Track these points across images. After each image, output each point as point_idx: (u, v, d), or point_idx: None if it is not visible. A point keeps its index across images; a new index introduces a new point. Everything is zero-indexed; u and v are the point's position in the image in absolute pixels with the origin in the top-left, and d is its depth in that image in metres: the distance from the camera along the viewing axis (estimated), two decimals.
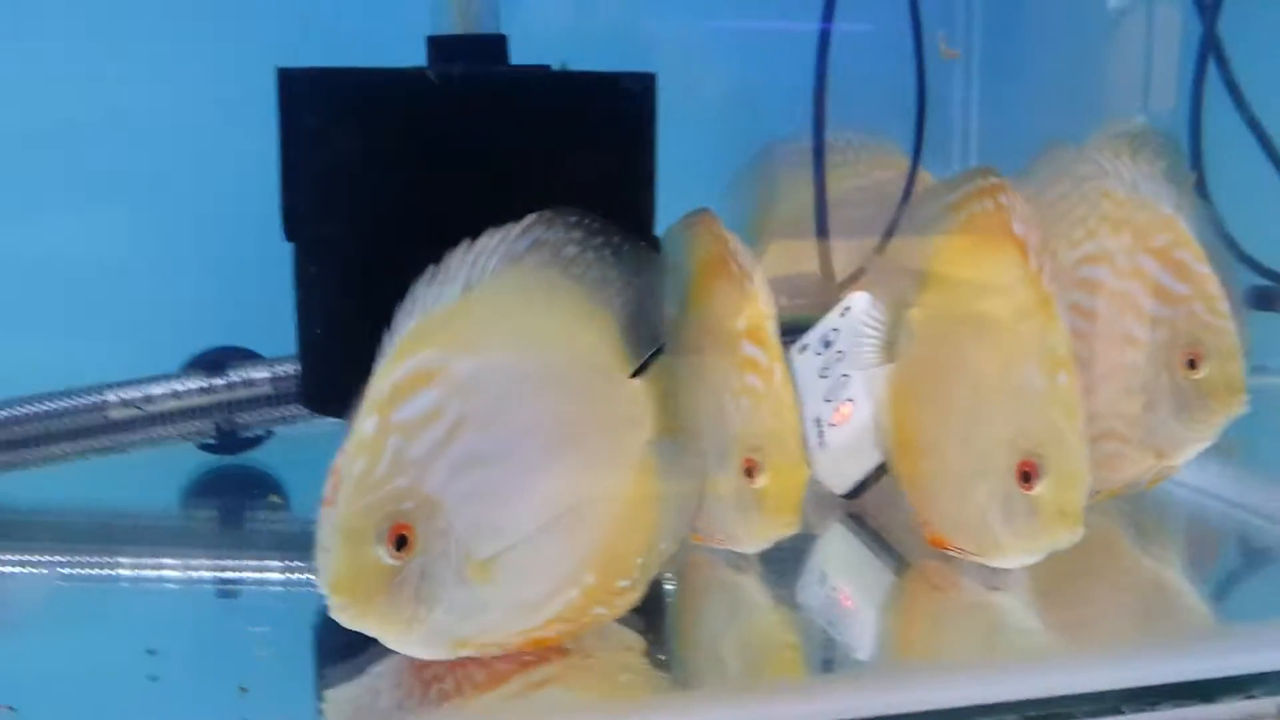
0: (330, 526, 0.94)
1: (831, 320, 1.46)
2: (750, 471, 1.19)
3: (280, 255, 1.34)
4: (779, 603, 1.22)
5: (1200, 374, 1.26)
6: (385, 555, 0.94)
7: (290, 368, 1.52)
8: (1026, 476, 1.14)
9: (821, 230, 1.56)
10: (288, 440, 1.62)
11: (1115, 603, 1.23)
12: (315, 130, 1.29)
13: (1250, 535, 1.43)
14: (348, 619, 0.95)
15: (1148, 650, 1.07)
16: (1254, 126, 1.55)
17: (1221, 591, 1.32)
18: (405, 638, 0.98)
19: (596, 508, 1.04)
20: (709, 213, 1.31)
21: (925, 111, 1.57)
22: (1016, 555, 1.17)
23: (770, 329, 1.23)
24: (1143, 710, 0.98)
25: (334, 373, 1.32)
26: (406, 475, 0.96)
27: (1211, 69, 1.62)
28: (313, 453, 1.60)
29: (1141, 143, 1.36)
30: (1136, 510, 1.41)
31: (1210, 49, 1.58)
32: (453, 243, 1.24)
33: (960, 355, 1.22)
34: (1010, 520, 1.15)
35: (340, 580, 0.94)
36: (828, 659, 1.13)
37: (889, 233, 1.56)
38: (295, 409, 1.53)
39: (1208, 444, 1.29)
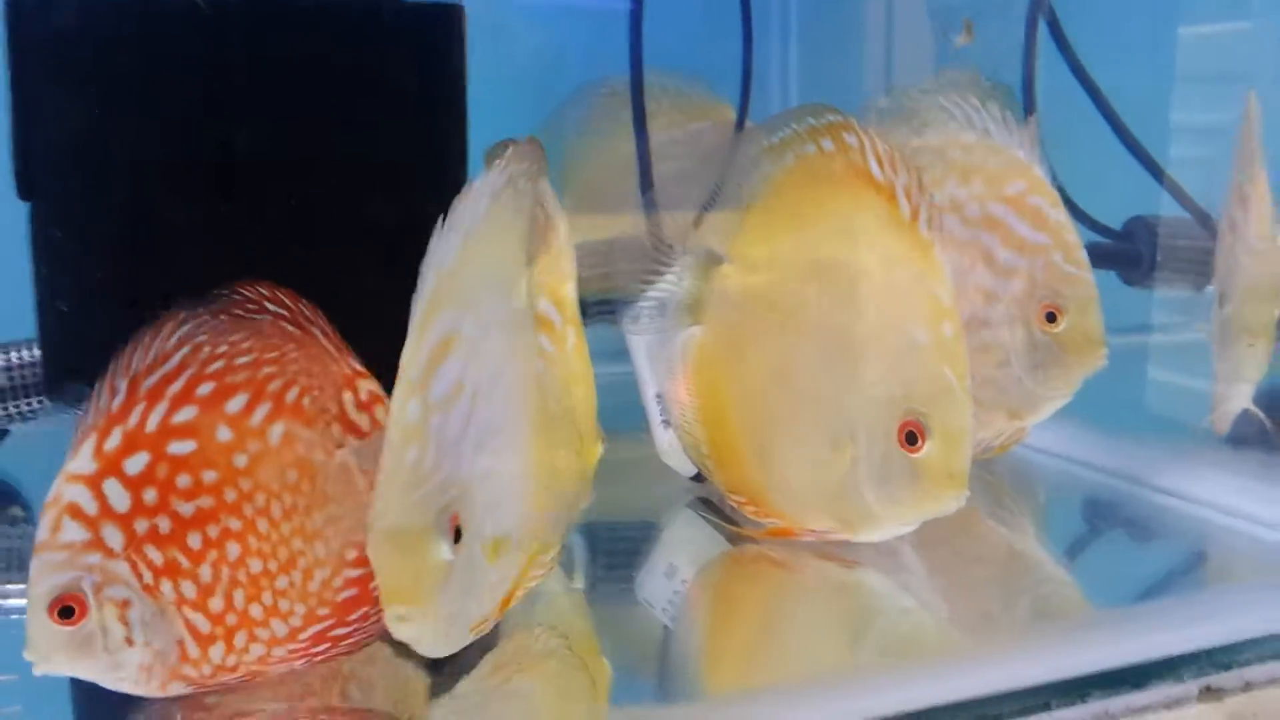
0: (377, 531, 0.78)
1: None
2: None
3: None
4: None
5: (1059, 328, 1.19)
6: (446, 551, 0.81)
7: (27, 354, 1.28)
8: (912, 438, 1.04)
9: (647, 193, 1.42)
10: (27, 440, 1.38)
11: (984, 579, 1.14)
12: (54, 66, 1.07)
13: (1101, 496, 1.38)
14: (408, 632, 0.80)
15: (1053, 641, 0.98)
16: (1083, 80, 1.50)
17: (1092, 563, 1.26)
18: (445, 639, 0.84)
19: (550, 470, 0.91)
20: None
21: (751, 60, 1.45)
22: (893, 524, 1.08)
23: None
24: (1073, 704, 0.88)
25: (84, 357, 1.11)
26: (449, 459, 0.82)
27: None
28: (57, 454, 1.42)
29: (976, 91, 1.29)
30: (986, 474, 1.34)
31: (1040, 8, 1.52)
32: (226, 195, 1.08)
33: (803, 314, 1.10)
34: (887, 486, 1.05)
35: (401, 588, 0.79)
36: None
37: (716, 189, 1.44)
38: (36, 403, 1.29)
39: (1064, 402, 1.23)
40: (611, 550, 1.14)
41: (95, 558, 0.78)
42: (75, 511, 0.78)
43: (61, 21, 1.07)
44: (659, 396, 1.24)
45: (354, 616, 0.88)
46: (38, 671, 0.79)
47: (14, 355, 1.28)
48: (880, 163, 1.07)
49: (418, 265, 1.07)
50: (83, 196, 1.09)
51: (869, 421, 1.05)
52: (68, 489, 0.78)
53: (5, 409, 1.28)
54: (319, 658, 0.88)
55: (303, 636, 0.86)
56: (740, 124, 1.46)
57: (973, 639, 1.02)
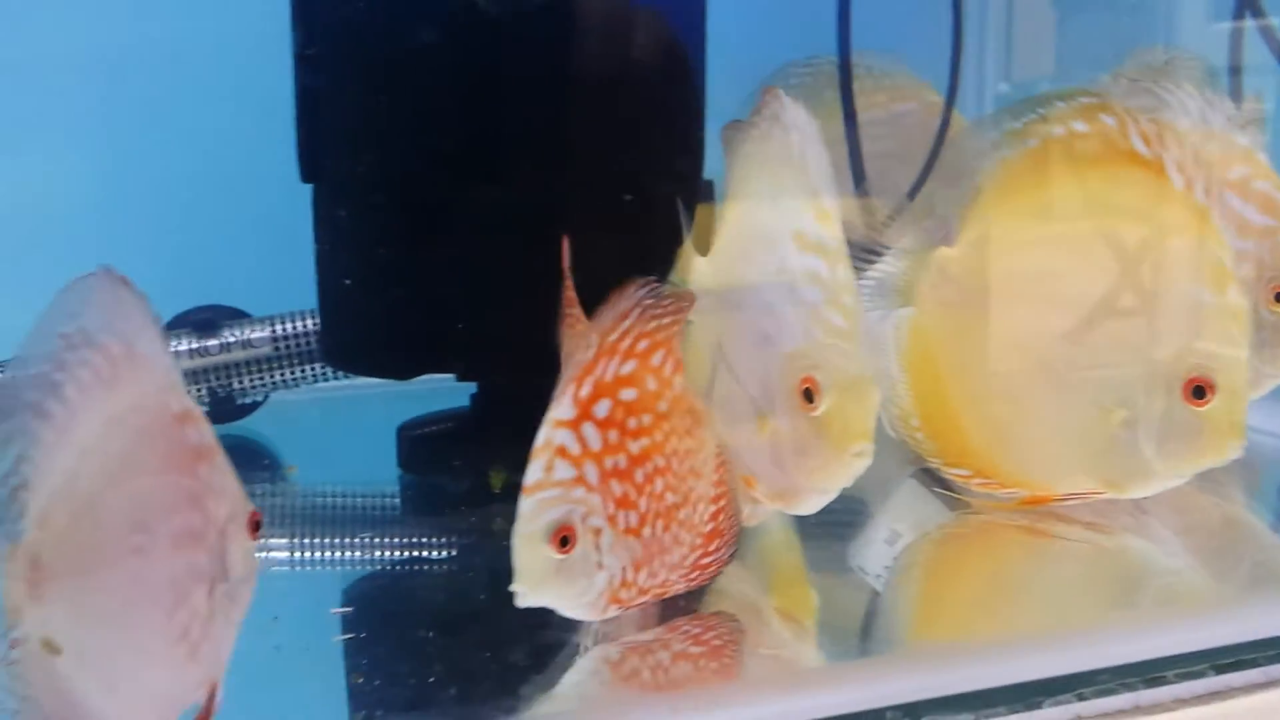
0: None
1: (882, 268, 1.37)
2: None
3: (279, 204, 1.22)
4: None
5: None
6: None
7: (290, 326, 1.39)
8: (1199, 392, 1.08)
9: (858, 175, 1.47)
10: (280, 407, 1.49)
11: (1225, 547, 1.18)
12: (338, 57, 1.16)
13: None
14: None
15: None
16: None
17: None
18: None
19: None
20: None
21: (961, 44, 1.49)
22: (1170, 478, 1.12)
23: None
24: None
25: (366, 329, 1.20)
26: None
27: None
28: (307, 420, 1.53)
29: (1175, 72, 1.31)
30: None
31: None
32: (494, 179, 1.15)
33: (1058, 288, 1.13)
34: (1170, 442, 1.09)
35: None
36: None
37: (924, 174, 1.48)
38: (296, 372, 1.40)
39: None
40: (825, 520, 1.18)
41: (580, 492, 0.88)
42: (563, 452, 0.87)
43: (344, 11, 1.16)
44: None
45: (714, 546, 0.97)
46: (524, 602, 0.88)
47: (279, 327, 1.40)
48: (1146, 139, 1.10)
49: (662, 243, 1.14)
50: (363, 180, 1.18)
51: (1149, 381, 1.09)
52: (556, 433, 0.88)
53: (270, 378, 1.40)
54: (694, 583, 0.98)
55: (687, 563, 0.96)
56: (948, 109, 1.50)
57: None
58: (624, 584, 0.91)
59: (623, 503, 0.89)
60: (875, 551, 1.18)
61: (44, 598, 0.71)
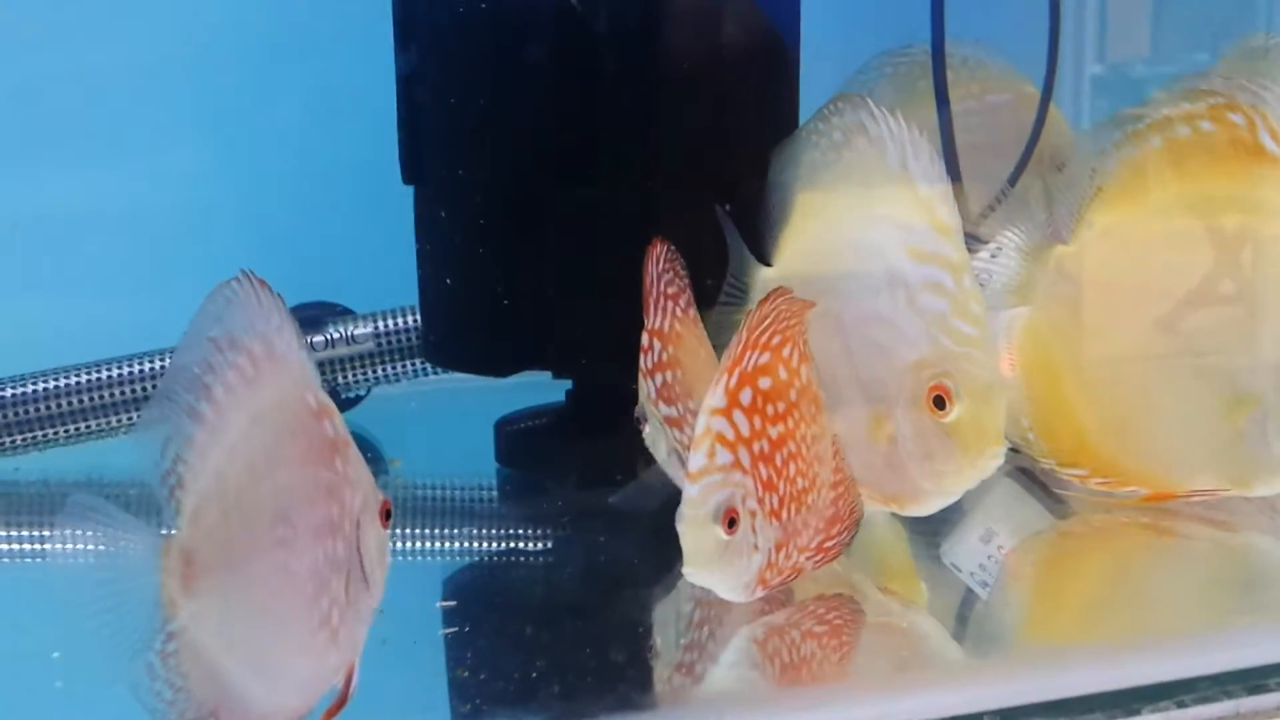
0: None
1: (981, 261, 1.36)
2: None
3: (385, 202, 1.25)
4: None
5: None
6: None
7: (392, 323, 1.42)
8: None
9: (951, 163, 1.46)
10: (381, 401, 1.52)
11: None
12: (439, 60, 1.19)
13: None
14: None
15: None
16: None
17: None
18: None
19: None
20: None
21: (1059, 35, 1.47)
22: None
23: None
24: None
25: (465, 326, 1.23)
26: None
27: None
28: (407, 414, 1.56)
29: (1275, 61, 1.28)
30: None
31: None
32: (591, 179, 1.16)
33: (1184, 284, 1.14)
34: None
35: None
36: None
37: (1020, 166, 1.47)
38: (398, 367, 1.43)
39: None
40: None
41: (738, 475, 0.92)
42: (722, 439, 0.91)
43: (445, 15, 1.18)
44: None
45: (835, 530, 1.01)
46: (695, 581, 0.93)
47: (381, 323, 1.43)
48: (1275, 136, 1.10)
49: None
50: (462, 182, 1.20)
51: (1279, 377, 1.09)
52: (714, 420, 0.91)
53: (374, 373, 1.43)
54: (818, 566, 1.01)
55: (812, 546, 0.99)
56: (1045, 101, 1.48)
57: None
58: (770, 565, 0.95)
59: (768, 486, 0.93)
60: (970, 549, 1.18)
61: (197, 591, 0.74)
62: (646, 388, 1.05)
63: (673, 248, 1.06)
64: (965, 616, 1.08)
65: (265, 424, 0.77)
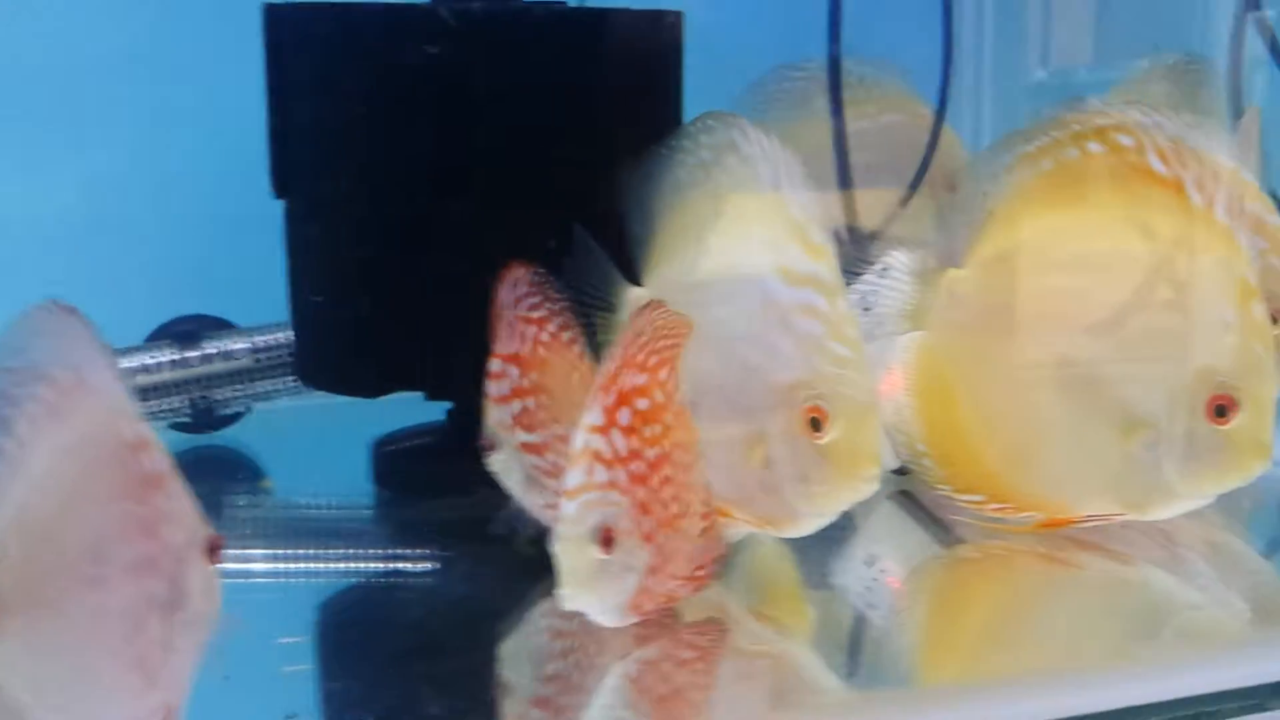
0: None
1: (867, 283, 1.35)
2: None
3: (262, 214, 1.22)
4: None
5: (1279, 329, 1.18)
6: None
7: (272, 338, 1.39)
8: (1221, 410, 1.07)
9: (844, 179, 1.45)
10: (266, 417, 1.49)
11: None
12: (308, 73, 1.16)
13: None
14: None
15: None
16: None
17: None
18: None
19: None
20: None
21: (952, 54, 1.47)
22: (1193, 499, 1.12)
23: None
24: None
25: (335, 345, 1.20)
26: None
27: None
28: (293, 431, 1.53)
29: (1177, 79, 1.29)
30: None
31: None
32: (464, 195, 1.15)
33: (1077, 309, 1.13)
34: (1192, 461, 1.09)
35: None
36: None
37: (914, 185, 1.46)
38: (276, 384, 1.40)
39: None
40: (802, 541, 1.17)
41: (615, 495, 0.90)
42: (599, 457, 0.90)
43: (315, 29, 1.16)
44: None
45: (707, 558, 0.99)
46: (569, 605, 0.91)
47: (259, 339, 1.40)
48: (1164, 158, 1.09)
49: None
50: (331, 196, 1.18)
51: (1172, 400, 1.09)
52: (592, 439, 0.90)
53: (251, 389, 1.40)
54: (690, 593, 0.99)
55: (684, 572, 0.97)
56: (938, 122, 1.48)
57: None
58: (644, 590, 0.93)
59: (644, 508, 0.92)
60: (854, 573, 1.17)
61: (1, 631, 0.71)
62: (498, 414, 1.03)
63: (539, 270, 1.05)
64: (850, 645, 1.07)
65: (74, 457, 0.74)
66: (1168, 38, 1.52)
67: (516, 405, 1.02)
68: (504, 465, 1.06)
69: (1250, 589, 1.15)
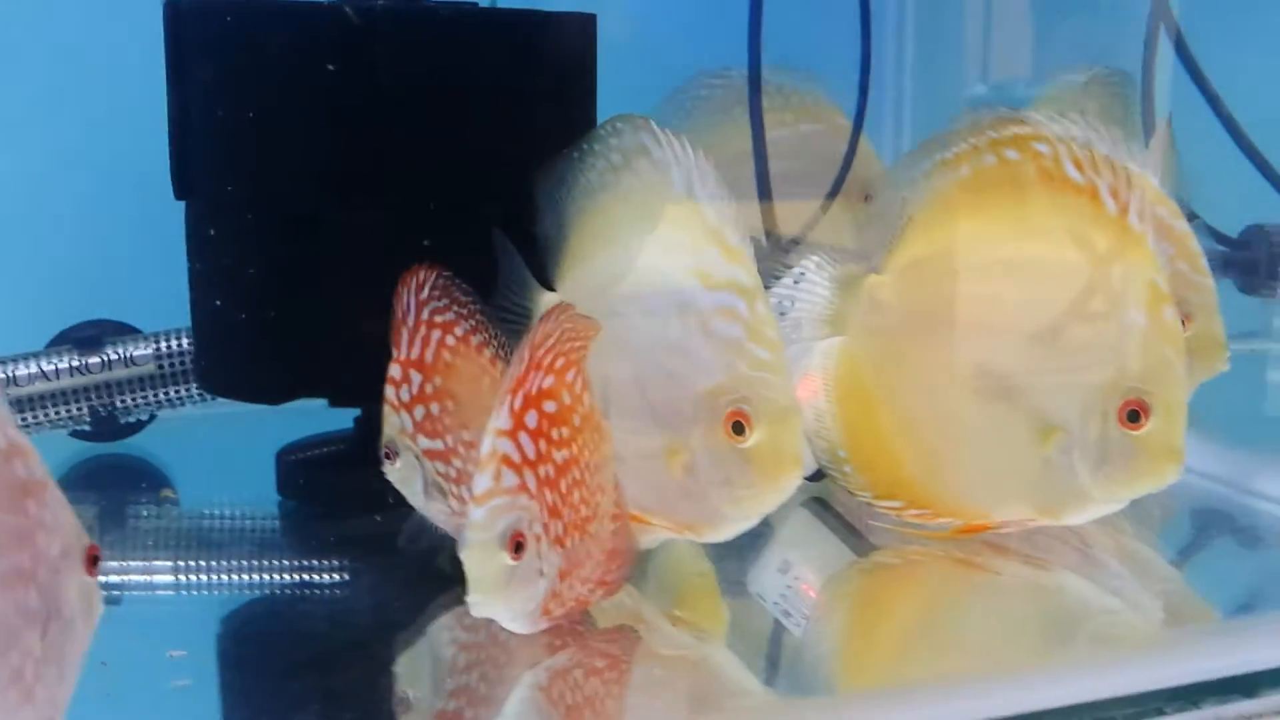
0: None
1: (784, 288, 1.35)
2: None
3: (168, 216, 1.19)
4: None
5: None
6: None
7: (177, 343, 1.36)
8: (1134, 416, 1.08)
9: (763, 188, 1.45)
10: (172, 425, 1.46)
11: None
12: (210, 72, 1.13)
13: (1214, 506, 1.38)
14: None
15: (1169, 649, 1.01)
16: (1201, 84, 1.49)
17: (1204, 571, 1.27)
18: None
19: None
20: None
21: (870, 65, 1.47)
22: (1106, 504, 1.12)
23: None
24: (1186, 710, 0.91)
25: (236, 351, 1.17)
26: None
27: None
28: (200, 439, 1.50)
29: (1093, 92, 1.30)
30: None
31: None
32: (369, 198, 1.12)
33: (992, 315, 1.14)
34: (1105, 466, 1.09)
35: None
36: None
37: (832, 193, 1.46)
38: (180, 391, 1.37)
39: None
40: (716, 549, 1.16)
41: (524, 499, 0.89)
42: (508, 461, 0.89)
43: (217, 28, 1.13)
44: None
45: (615, 563, 0.98)
46: (479, 612, 0.89)
47: (164, 344, 1.36)
48: (1079, 166, 1.10)
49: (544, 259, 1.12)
50: (236, 197, 1.14)
51: (1085, 405, 1.09)
52: (499, 442, 0.89)
53: (155, 396, 1.36)
54: (598, 598, 0.99)
55: (594, 577, 0.96)
56: (856, 130, 1.48)
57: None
58: (554, 595, 0.92)
59: (553, 512, 0.91)
60: (770, 580, 1.16)
61: None
62: (399, 421, 1.01)
63: (446, 274, 1.03)
64: (769, 652, 1.06)
65: None
66: (1106, 54, 1.54)
67: (419, 411, 1.00)
68: (402, 474, 1.04)
69: (1160, 595, 1.16)
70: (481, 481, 0.88)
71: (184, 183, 1.16)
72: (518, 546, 0.88)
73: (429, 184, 1.13)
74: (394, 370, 1.01)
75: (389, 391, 1.02)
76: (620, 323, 1.05)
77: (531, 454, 0.89)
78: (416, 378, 1.01)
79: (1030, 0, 1.65)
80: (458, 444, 1.02)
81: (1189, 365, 1.19)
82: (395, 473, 1.04)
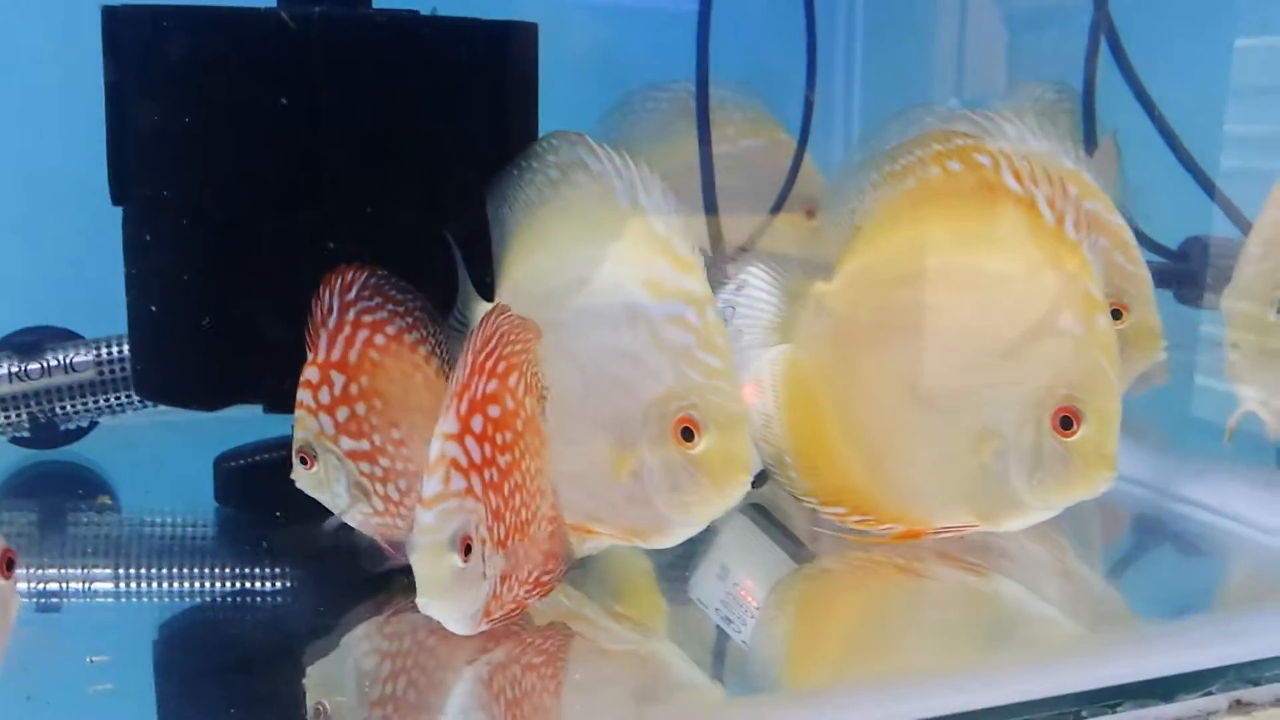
0: None
1: (725, 297, 1.36)
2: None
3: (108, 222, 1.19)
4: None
5: (1124, 324, 1.24)
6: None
7: (118, 350, 1.35)
8: (1067, 422, 1.10)
9: (709, 200, 1.45)
10: (113, 432, 1.45)
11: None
12: (147, 77, 1.13)
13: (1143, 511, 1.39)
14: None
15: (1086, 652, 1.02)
16: (1140, 95, 1.51)
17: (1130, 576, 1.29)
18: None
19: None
20: None
21: (815, 79, 1.48)
22: (1041, 510, 1.14)
23: None
24: (1103, 713, 0.93)
25: (172, 355, 1.17)
26: None
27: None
28: (142, 446, 1.49)
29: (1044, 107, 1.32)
30: None
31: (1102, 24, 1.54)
32: (306, 204, 1.13)
33: (932, 323, 1.16)
34: (1039, 473, 1.11)
35: None
36: None
37: (776, 207, 1.48)
38: (121, 397, 1.36)
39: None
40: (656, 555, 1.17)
41: (471, 502, 0.90)
42: (456, 464, 0.90)
43: (153, 33, 1.13)
44: None
45: (550, 564, 1.00)
46: (428, 612, 0.91)
47: (104, 351, 1.36)
48: (1018, 177, 1.12)
49: (487, 273, 1.13)
50: (171, 202, 1.14)
51: (1020, 412, 1.11)
52: (447, 446, 0.90)
53: (95, 402, 1.36)
54: (535, 598, 1.00)
55: (530, 579, 0.98)
56: (800, 147, 1.49)
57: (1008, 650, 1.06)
58: (495, 597, 0.93)
59: (497, 515, 0.92)
60: (710, 585, 1.17)
61: None
62: (317, 424, 1.01)
63: (380, 273, 1.03)
64: (713, 654, 1.07)
65: None
66: (1074, 69, 1.56)
67: (342, 412, 1.01)
68: (317, 480, 1.04)
69: (1089, 600, 1.18)
70: (430, 485, 0.89)
71: (121, 187, 1.16)
72: (466, 549, 0.89)
73: (365, 191, 1.13)
74: (310, 373, 1.02)
75: (303, 395, 1.02)
76: (564, 333, 1.05)
77: (478, 458, 0.91)
78: (339, 379, 1.01)
79: (982, 14, 1.68)
80: (386, 442, 1.03)
81: (1126, 354, 1.22)
82: (309, 477, 1.04)
